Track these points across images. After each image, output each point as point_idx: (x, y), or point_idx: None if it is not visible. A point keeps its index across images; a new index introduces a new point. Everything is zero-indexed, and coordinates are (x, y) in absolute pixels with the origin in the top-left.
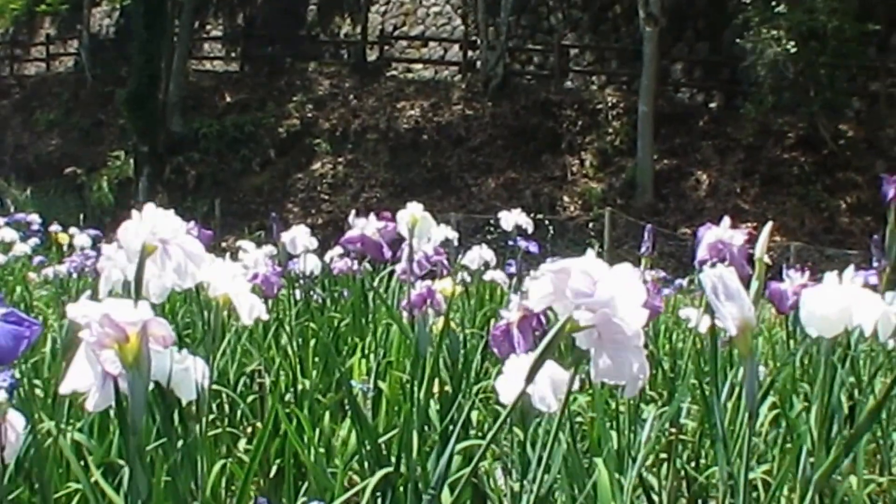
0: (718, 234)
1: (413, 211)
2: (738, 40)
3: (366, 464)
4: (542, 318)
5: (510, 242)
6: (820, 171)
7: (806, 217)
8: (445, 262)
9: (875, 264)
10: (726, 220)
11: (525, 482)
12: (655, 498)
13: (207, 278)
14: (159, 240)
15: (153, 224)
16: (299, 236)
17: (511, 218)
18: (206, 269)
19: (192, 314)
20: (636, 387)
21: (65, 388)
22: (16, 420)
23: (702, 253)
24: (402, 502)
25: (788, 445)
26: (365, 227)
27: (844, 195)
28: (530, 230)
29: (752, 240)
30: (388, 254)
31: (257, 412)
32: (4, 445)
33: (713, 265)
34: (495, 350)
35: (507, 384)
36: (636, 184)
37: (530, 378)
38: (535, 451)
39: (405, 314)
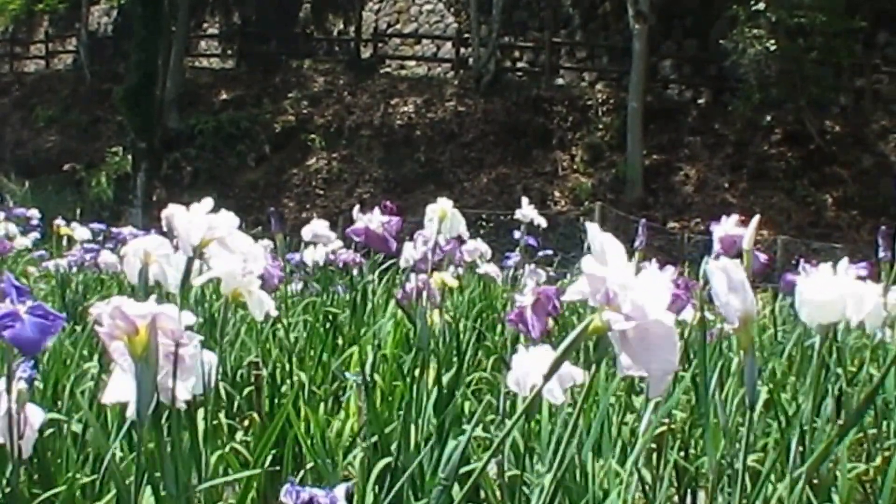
0: (726, 228)
1: (443, 205)
2: (721, 41)
3: (361, 454)
4: (557, 304)
5: (517, 236)
6: (806, 166)
7: (792, 211)
8: (460, 252)
9: (881, 255)
10: (734, 217)
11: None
12: (647, 487)
13: (220, 274)
14: (217, 236)
15: (211, 220)
16: (319, 229)
17: (526, 213)
18: (231, 261)
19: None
20: (661, 387)
21: (107, 399)
22: (34, 414)
23: (717, 246)
24: (401, 491)
25: (777, 436)
26: (370, 220)
27: (830, 189)
28: (544, 224)
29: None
30: (392, 246)
31: (254, 404)
32: (22, 434)
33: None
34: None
35: (515, 376)
36: (626, 179)
37: (549, 376)
38: (549, 444)
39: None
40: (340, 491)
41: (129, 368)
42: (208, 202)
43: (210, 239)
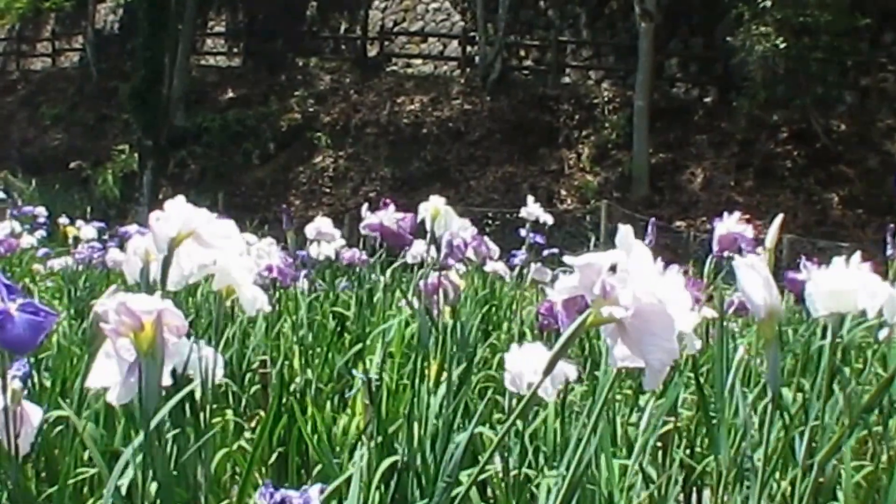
0: (728, 226)
1: (435, 203)
2: (727, 38)
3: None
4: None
5: (522, 234)
6: (812, 164)
7: (799, 210)
8: (486, 248)
9: (889, 252)
10: (735, 215)
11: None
12: (652, 485)
13: (214, 269)
14: (191, 229)
15: (186, 215)
16: (323, 227)
17: (531, 211)
18: (223, 256)
19: (195, 305)
20: (660, 377)
21: (90, 384)
22: (32, 412)
23: (716, 245)
24: (406, 489)
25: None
26: (384, 216)
27: (836, 188)
28: (550, 221)
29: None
30: (409, 241)
31: (261, 402)
32: (19, 432)
33: (730, 258)
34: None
35: (511, 375)
36: (632, 177)
37: (548, 370)
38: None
39: (415, 302)
40: (314, 491)
41: (125, 356)
42: (181, 198)
43: (186, 234)
